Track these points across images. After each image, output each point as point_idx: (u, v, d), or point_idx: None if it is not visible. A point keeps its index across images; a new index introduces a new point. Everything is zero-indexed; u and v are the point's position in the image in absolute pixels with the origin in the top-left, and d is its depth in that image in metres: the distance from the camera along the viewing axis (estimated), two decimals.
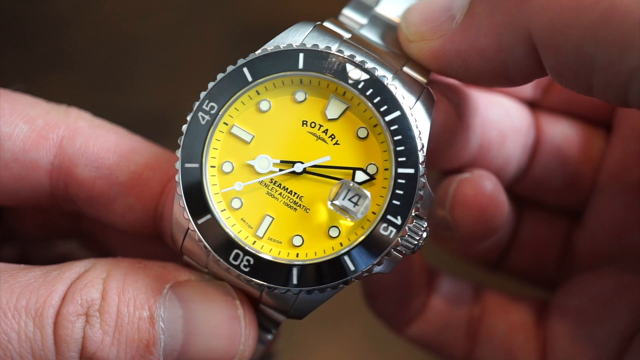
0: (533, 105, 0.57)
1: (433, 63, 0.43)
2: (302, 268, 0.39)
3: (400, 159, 0.40)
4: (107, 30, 1.25)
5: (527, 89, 0.56)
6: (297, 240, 0.41)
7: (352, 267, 0.40)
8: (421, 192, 0.40)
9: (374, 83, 0.40)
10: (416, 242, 0.40)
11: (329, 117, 0.41)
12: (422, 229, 0.40)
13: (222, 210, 0.40)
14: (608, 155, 0.54)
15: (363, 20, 0.46)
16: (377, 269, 0.40)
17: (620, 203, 0.51)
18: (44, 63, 1.17)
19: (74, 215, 0.50)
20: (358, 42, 0.44)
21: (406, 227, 0.39)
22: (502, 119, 0.52)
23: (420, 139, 0.40)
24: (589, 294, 0.51)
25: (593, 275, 0.51)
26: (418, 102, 0.42)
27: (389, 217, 0.39)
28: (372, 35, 0.46)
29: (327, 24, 0.45)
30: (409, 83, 0.43)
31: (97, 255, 0.50)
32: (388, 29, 0.46)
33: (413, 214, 0.40)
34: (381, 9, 0.47)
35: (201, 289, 0.40)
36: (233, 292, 0.41)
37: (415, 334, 0.54)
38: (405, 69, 0.44)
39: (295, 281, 0.39)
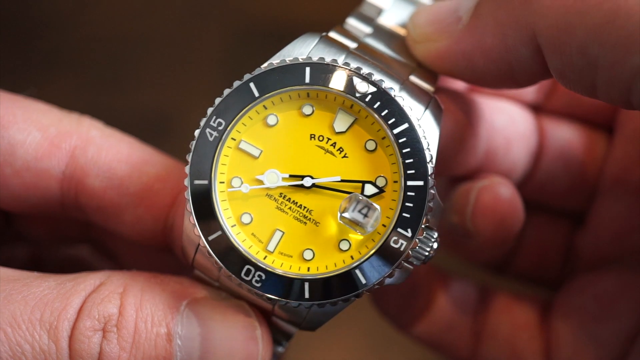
0: (536, 108, 0.57)
1: (439, 64, 0.44)
2: (314, 282, 0.39)
3: (409, 172, 0.40)
4: (107, 30, 1.24)
5: (530, 93, 0.56)
6: (307, 254, 0.41)
7: (363, 281, 0.39)
8: (431, 204, 0.40)
9: (382, 96, 0.40)
10: (427, 253, 0.40)
11: (337, 130, 0.41)
12: (433, 239, 0.40)
13: (232, 226, 0.40)
14: (610, 157, 0.54)
15: (367, 29, 0.47)
16: (388, 280, 0.40)
17: (622, 205, 0.51)
18: (43, 63, 1.17)
19: (83, 224, 0.50)
20: (364, 51, 0.44)
21: (417, 239, 0.39)
22: (507, 125, 0.53)
23: (429, 150, 0.40)
24: (592, 293, 0.51)
25: (596, 276, 0.51)
26: (426, 112, 0.42)
27: (399, 229, 0.39)
28: (377, 44, 0.46)
29: (332, 34, 0.45)
30: (416, 93, 0.43)
31: (107, 259, 0.50)
32: (393, 37, 0.46)
33: (423, 226, 0.40)
34: (384, 20, 0.47)
35: (219, 308, 0.40)
36: (251, 312, 0.41)
37: (420, 333, 0.54)
38: (412, 78, 0.44)
39: (307, 295, 0.39)
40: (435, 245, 0.40)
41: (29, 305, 0.34)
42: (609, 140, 0.54)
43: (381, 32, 0.46)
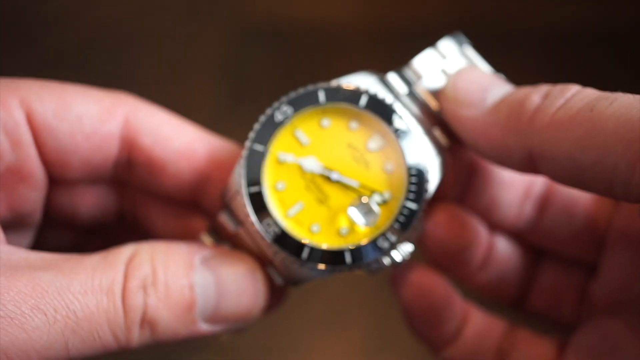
0: None
1: (453, 125, 0.54)
2: (313, 249, 0.51)
3: (409, 195, 0.52)
4: (107, 30, 1.25)
5: None
6: (314, 228, 0.52)
7: (349, 260, 0.51)
8: (415, 224, 0.52)
9: (410, 135, 0.52)
10: (401, 260, 0.52)
11: (368, 148, 0.53)
12: (408, 251, 0.52)
13: (268, 188, 0.51)
14: (617, 210, 0.58)
15: (404, 90, 0.57)
16: (365, 269, 0.52)
17: (629, 255, 0.56)
18: (44, 64, 1.17)
19: (120, 196, 0.59)
20: (408, 97, 0.56)
21: (396, 246, 0.51)
22: (513, 177, 0.60)
23: (428, 185, 0.52)
24: (600, 334, 0.57)
25: (606, 319, 0.57)
26: (437, 158, 0.54)
27: (387, 234, 0.51)
28: (421, 93, 0.57)
29: (388, 77, 0.56)
30: (434, 141, 0.55)
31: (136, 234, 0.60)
32: (424, 104, 0.57)
33: (405, 239, 0.52)
34: (422, 84, 0.57)
35: (225, 259, 0.50)
36: (250, 259, 0.52)
37: (447, 358, 0.61)
38: (434, 131, 0.55)
39: (305, 256, 0.51)
40: (408, 256, 0.52)
41: (89, 275, 0.45)
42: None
43: (414, 98, 0.56)
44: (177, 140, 0.55)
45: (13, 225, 0.54)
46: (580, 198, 0.59)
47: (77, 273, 0.45)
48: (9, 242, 0.54)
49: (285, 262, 0.52)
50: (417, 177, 0.52)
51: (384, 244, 0.51)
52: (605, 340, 0.56)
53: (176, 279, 0.47)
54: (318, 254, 0.50)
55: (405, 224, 0.51)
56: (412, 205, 0.51)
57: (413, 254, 0.53)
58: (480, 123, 0.51)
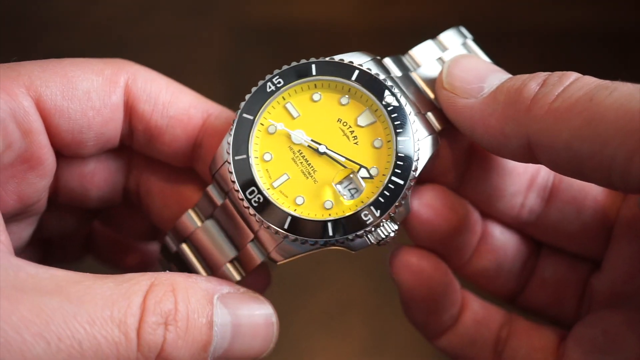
0: None
1: (449, 114, 0.53)
2: (296, 219, 0.51)
3: (396, 171, 0.51)
4: (107, 30, 1.25)
5: None
6: (299, 200, 0.52)
7: (331, 233, 0.50)
8: (402, 202, 0.51)
9: (400, 111, 0.52)
10: (384, 237, 0.51)
11: (358, 123, 0.53)
12: (392, 230, 0.51)
13: (255, 157, 0.52)
14: (625, 203, 0.57)
15: (398, 73, 0.57)
16: (348, 243, 0.51)
17: (634, 248, 0.56)
18: None
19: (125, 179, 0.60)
20: (402, 80, 0.55)
21: (381, 221, 0.51)
22: (517, 166, 0.58)
23: (417, 162, 0.52)
24: (601, 327, 0.56)
25: (607, 312, 0.56)
26: (427, 138, 0.53)
27: (372, 207, 0.50)
28: (417, 80, 0.57)
29: (385, 60, 0.56)
30: (425, 123, 0.54)
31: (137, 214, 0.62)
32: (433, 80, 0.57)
33: (390, 214, 0.51)
34: (419, 72, 0.57)
35: (243, 299, 0.50)
36: (266, 301, 0.52)
37: (444, 345, 0.60)
38: (429, 114, 0.55)
39: (286, 227, 0.50)
40: (392, 234, 0.51)
41: (99, 305, 0.42)
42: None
43: (409, 81, 0.56)
44: (174, 107, 0.55)
45: (18, 215, 0.54)
46: (590, 190, 0.58)
47: (85, 301, 0.42)
48: (13, 232, 0.54)
49: (269, 233, 0.51)
50: (405, 152, 0.51)
51: (368, 218, 0.50)
52: (606, 333, 0.55)
53: (197, 316, 0.46)
54: (300, 225, 0.50)
55: (390, 199, 0.50)
56: (399, 181, 0.50)
57: (398, 235, 0.52)
58: (477, 111, 0.51)
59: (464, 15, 1.26)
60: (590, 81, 0.47)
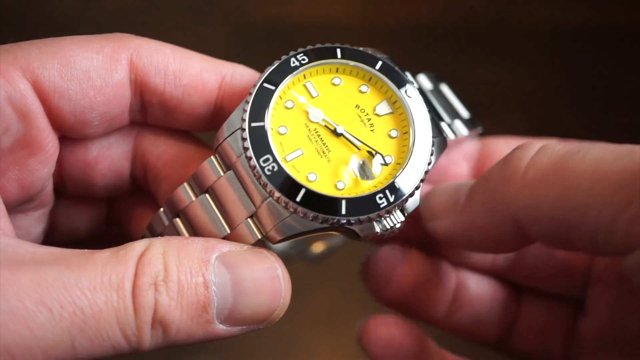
0: None
1: (444, 239, 0.53)
2: (310, 193, 0.49)
3: (413, 160, 0.51)
4: (107, 30, 1.24)
5: None
6: (311, 177, 0.51)
7: (344, 211, 0.49)
8: (414, 192, 0.51)
9: (420, 105, 0.52)
10: (390, 227, 0.50)
11: (376, 112, 0.53)
12: (399, 220, 0.51)
13: (271, 128, 0.51)
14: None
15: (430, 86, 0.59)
16: (357, 226, 0.50)
17: (612, 296, 0.55)
18: None
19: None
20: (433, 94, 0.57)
21: (394, 208, 0.50)
22: None
23: (431, 157, 0.52)
24: None
25: (596, 357, 0.56)
26: (436, 139, 0.53)
27: (387, 192, 0.50)
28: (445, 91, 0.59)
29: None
30: (435, 127, 0.54)
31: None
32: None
33: (403, 203, 0.50)
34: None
35: (243, 256, 0.48)
36: (270, 256, 0.49)
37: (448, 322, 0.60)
38: (441, 122, 0.56)
39: (298, 199, 0.48)
40: (398, 225, 0.51)
41: (98, 271, 0.42)
42: None
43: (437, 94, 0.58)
44: (186, 74, 0.53)
45: (24, 207, 0.53)
46: None
47: (85, 269, 0.42)
48: (21, 227, 0.53)
49: (273, 208, 0.49)
50: (421, 146, 0.51)
51: (382, 202, 0.49)
52: None
53: (189, 276, 0.44)
54: (313, 199, 0.48)
55: (405, 187, 0.50)
56: (414, 171, 0.50)
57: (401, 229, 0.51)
58: (463, 220, 0.51)
59: (464, 16, 1.26)
60: (557, 148, 0.46)
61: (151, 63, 0.53)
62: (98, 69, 0.51)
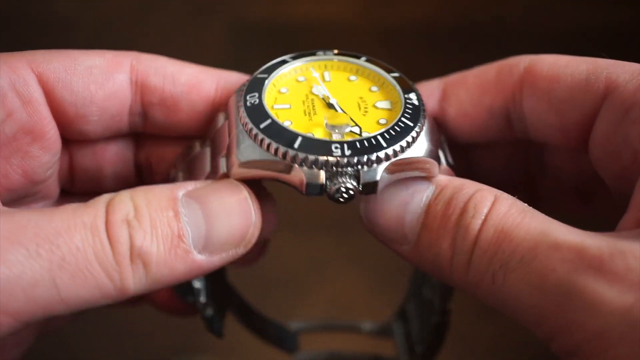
0: None
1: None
2: (274, 123, 0.50)
3: (382, 135, 0.51)
4: (107, 30, 1.25)
5: None
6: (286, 123, 0.51)
7: (296, 145, 0.48)
8: (372, 165, 0.49)
9: (417, 109, 0.52)
10: (338, 187, 0.48)
11: (375, 105, 0.54)
12: (350, 187, 0.48)
13: (273, 84, 0.53)
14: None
15: None
16: (305, 170, 0.48)
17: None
18: None
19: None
20: None
21: (345, 167, 0.49)
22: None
23: (405, 151, 0.50)
24: None
25: None
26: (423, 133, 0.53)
27: (345, 145, 0.49)
28: None
29: None
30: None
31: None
32: None
33: (357, 167, 0.49)
34: None
35: (209, 188, 0.49)
36: (239, 184, 0.50)
37: None
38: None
39: (262, 127, 0.49)
40: (346, 192, 0.48)
41: (69, 213, 0.44)
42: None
43: None
44: (183, 75, 0.56)
45: (28, 199, 0.54)
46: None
47: (57, 213, 0.43)
48: None
49: (240, 136, 0.51)
50: (400, 135, 0.50)
51: (337, 151, 0.48)
52: None
53: (159, 211, 0.46)
54: (275, 129, 0.49)
55: (364, 152, 0.48)
56: (379, 146, 0.49)
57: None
58: (411, 259, 0.48)
59: (464, 16, 1.26)
60: (487, 252, 0.43)
61: (150, 66, 0.56)
62: (100, 67, 0.55)
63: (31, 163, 0.52)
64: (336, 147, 0.48)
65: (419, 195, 0.49)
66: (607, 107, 0.49)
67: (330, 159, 0.48)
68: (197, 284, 0.55)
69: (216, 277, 0.59)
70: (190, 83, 0.56)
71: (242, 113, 0.50)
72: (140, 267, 0.45)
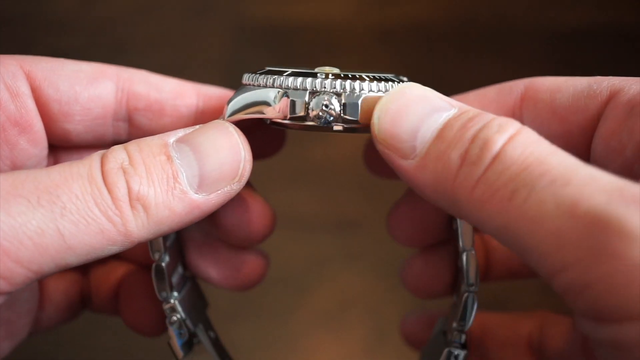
0: None
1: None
2: (294, 71, 0.51)
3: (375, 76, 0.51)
4: (107, 30, 1.25)
5: None
6: None
7: (286, 74, 0.51)
8: (358, 85, 0.50)
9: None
10: (322, 105, 0.49)
11: None
12: (334, 109, 0.49)
13: None
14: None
15: None
16: (291, 92, 0.50)
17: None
18: None
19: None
20: None
21: (327, 89, 0.49)
22: None
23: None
24: None
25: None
26: None
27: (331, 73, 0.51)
28: None
29: None
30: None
31: None
32: None
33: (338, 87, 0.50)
34: None
35: (197, 131, 0.51)
36: (221, 121, 0.52)
37: None
38: None
39: (285, 75, 0.50)
40: (328, 111, 0.49)
41: (66, 167, 0.45)
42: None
43: None
44: (165, 84, 0.60)
45: None
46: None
47: (54, 168, 0.45)
48: None
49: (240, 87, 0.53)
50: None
51: (321, 75, 0.50)
52: None
53: (152, 156, 0.47)
54: (295, 73, 0.51)
55: (349, 80, 0.49)
56: (365, 79, 0.50)
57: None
58: (412, 177, 0.46)
59: (464, 16, 1.26)
60: (511, 168, 0.40)
61: (135, 74, 0.59)
62: (86, 72, 0.57)
63: (19, 155, 0.54)
64: (321, 74, 0.50)
65: (440, 113, 0.46)
66: (613, 105, 0.49)
67: (316, 80, 0.49)
68: (178, 315, 0.57)
69: (199, 310, 0.61)
70: (173, 91, 0.59)
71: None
72: (141, 211, 0.46)
